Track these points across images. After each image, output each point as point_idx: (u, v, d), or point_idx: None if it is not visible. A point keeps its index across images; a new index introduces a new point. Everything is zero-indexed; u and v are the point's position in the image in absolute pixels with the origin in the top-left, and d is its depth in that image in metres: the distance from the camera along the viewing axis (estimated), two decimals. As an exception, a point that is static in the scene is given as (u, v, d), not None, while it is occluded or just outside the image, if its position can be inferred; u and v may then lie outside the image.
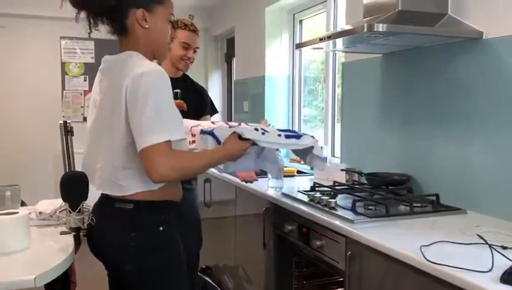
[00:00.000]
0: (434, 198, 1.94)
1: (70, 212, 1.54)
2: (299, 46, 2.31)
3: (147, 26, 1.47)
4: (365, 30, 1.70)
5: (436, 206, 1.90)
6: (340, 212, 1.81)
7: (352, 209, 1.81)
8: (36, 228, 1.79)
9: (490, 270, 1.18)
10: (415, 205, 1.85)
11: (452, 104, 1.97)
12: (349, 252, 1.62)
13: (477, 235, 1.40)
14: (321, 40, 2.01)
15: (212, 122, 1.81)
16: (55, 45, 4.84)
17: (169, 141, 1.36)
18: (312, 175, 2.84)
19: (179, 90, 2.37)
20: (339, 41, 2.05)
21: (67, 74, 4.91)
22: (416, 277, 1.31)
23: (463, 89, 1.91)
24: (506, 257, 1.23)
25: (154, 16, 1.49)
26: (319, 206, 1.92)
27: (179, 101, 2.35)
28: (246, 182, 2.35)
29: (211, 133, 1.60)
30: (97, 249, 1.54)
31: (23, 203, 2.14)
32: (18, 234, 1.54)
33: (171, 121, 1.39)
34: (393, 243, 1.44)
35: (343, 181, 2.46)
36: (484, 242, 1.35)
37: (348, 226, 1.65)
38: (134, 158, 1.40)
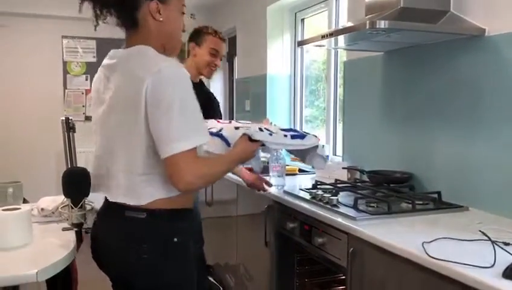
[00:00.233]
0: (436, 196, 1.94)
1: (72, 208, 1.55)
2: (301, 43, 2.31)
3: (161, 19, 1.37)
4: (367, 27, 1.70)
5: (438, 204, 1.89)
6: (342, 209, 1.80)
7: (354, 206, 1.80)
8: (38, 225, 1.79)
9: (493, 266, 1.17)
10: (416, 202, 1.84)
11: (454, 101, 1.97)
12: (351, 249, 1.62)
13: (480, 231, 1.40)
14: (323, 37, 2.01)
15: (217, 121, 1.81)
16: (57, 44, 4.85)
17: (195, 147, 1.28)
18: (314, 174, 2.83)
19: None
20: (341, 39, 2.05)
21: (68, 73, 4.92)
22: (419, 273, 1.31)
23: (465, 87, 1.91)
24: (508, 253, 1.23)
25: (168, 7, 1.39)
26: (321, 203, 1.92)
27: None
28: (258, 190, 2.29)
29: (219, 135, 1.58)
30: (103, 262, 1.43)
31: (25, 201, 2.14)
32: (20, 229, 1.54)
33: (198, 125, 1.31)
34: (395, 240, 1.43)
35: (345, 179, 2.46)
36: (486, 238, 1.35)
37: (350, 223, 1.65)
38: (156, 163, 1.31)
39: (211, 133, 1.61)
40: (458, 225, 1.62)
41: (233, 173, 2.28)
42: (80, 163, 2.38)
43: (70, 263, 1.54)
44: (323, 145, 1.83)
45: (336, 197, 1.92)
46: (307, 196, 2.06)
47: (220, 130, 1.60)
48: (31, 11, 4.58)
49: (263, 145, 1.58)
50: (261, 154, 1.90)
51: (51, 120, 4.45)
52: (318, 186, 2.22)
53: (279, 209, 2.21)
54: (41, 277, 1.34)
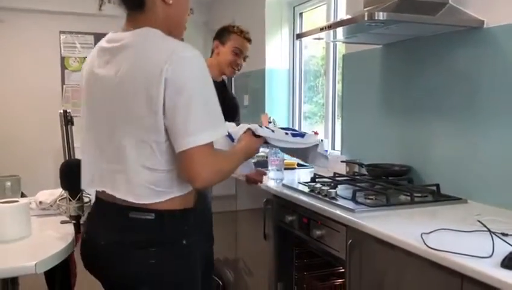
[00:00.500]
0: (434, 188, 1.94)
1: (70, 200, 1.55)
2: (300, 36, 2.31)
3: (171, 1, 1.27)
4: (366, 18, 1.69)
5: (436, 196, 1.90)
6: (340, 202, 1.80)
7: (353, 199, 1.80)
8: (36, 218, 1.79)
9: (491, 256, 1.17)
10: (415, 194, 1.84)
11: (453, 94, 1.96)
12: (350, 241, 1.62)
13: (478, 221, 1.40)
14: (322, 29, 2.01)
15: None
16: (55, 39, 4.84)
17: (212, 141, 1.20)
18: (312, 168, 2.83)
19: None
20: (340, 31, 2.04)
21: (66, 69, 4.91)
22: (417, 264, 1.31)
23: (464, 79, 1.91)
24: (507, 243, 1.23)
25: None
26: (320, 196, 1.92)
27: None
28: (256, 183, 2.23)
29: None
30: (100, 268, 1.30)
31: (23, 195, 2.14)
32: (18, 222, 1.54)
33: (217, 116, 1.22)
34: (394, 231, 1.43)
35: (344, 173, 2.46)
36: (485, 229, 1.35)
37: (349, 216, 1.65)
38: (168, 159, 1.21)
39: None
40: (457, 216, 1.62)
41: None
42: (78, 156, 2.36)
43: (68, 256, 1.54)
44: (321, 140, 1.81)
45: (335, 190, 1.92)
46: (306, 189, 2.06)
47: None
48: (28, 6, 4.57)
49: (265, 142, 1.55)
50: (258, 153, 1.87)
51: (49, 115, 4.42)
52: (317, 180, 2.22)
53: (277, 203, 2.21)
54: (39, 269, 1.34)
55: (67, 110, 1.89)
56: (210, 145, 1.19)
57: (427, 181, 2.07)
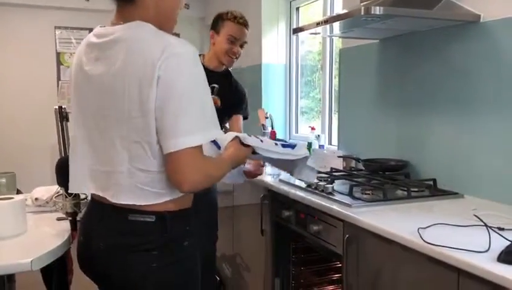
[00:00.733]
0: (431, 183, 1.94)
1: (66, 197, 1.54)
2: (296, 30, 2.30)
3: None
4: (362, 13, 1.69)
5: (433, 191, 1.90)
6: (337, 197, 1.80)
7: (350, 194, 1.80)
8: (32, 214, 1.78)
9: (487, 250, 1.18)
10: (412, 189, 1.85)
11: (449, 88, 1.96)
12: (347, 236, 1.62)
13: (475, 215, 1.40)
14: (318, 24, 2.00)
15: None
16: (50, 35, 4.81)
17: (202, 143, 1.15)
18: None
19: (216, 85, 2.18)
20: (336, 26, 2.04)
21: (62, 64, 4.88)
22: (414, 258, 1.31)
23: (460, 74, 1.91)
24: (503, 237, 1.23)
25: None
26: (317, 191, 1.92)
27: (214, 96, 2.08)
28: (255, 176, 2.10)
29: None
30: (100, 273, 1.26)
31: (18, 192, 2.13)
32: (14, 218, 1.53)
33: (211, 117, 1.17)
34: (391, 226, 1.43)
35: (341, 168, 2.46)
36: (481, 224, 1.35)
37: (346, 211, 1.65)
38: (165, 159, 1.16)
39: None
40: (453, 211, 1.62)
41: None
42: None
43: (65, 253, 1.54)
44: (311, 155, 1.71)
45: (332, 185, 1.91)
46: (302, 184, 2.06)
47: None
48: (22, 1, 4.54)
49: (253, 152, 1.47)
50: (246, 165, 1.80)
51: (44, 111, 4.42)
52: (314, 175, 2.22)
53: (274, 198, 2.21)
54: (35, 266, 1.33)
55: (63, 106, 1.88)
56: (199, 148, 1.15)
57: (424, 176, 2.08)
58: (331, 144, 3.14)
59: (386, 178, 2.05)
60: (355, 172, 2.29)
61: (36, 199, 1.87)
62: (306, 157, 1.62)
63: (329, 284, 2.38)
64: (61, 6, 4.64)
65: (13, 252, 1.42)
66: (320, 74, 3.38)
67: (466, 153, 1.89)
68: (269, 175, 2.34)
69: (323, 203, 1.78)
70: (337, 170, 2.36)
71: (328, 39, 3.14)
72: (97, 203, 1.25)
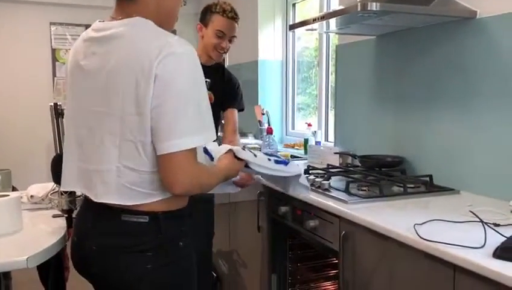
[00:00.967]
0: (427, 179, 1.95)
1: (61, 194, 1.53)
2: (293, 27, 2.29)
3: None
4: (359, 9, 1.68)
5: (429, 187, 1.90)
6: (333, 193, 1.81)
7: (346, 190, 1.81)
8: (28, 212, 1.78)
9: (483, 246, 1.18)
10: (408, 185, 1.85)
11: (445, 85, 1.96)
12: (343, 232, 1.62)
13: (471, 211, 1.41)
14: (314, 20, 2.00)
15: None
16: (45, 31, 4.78)
17: (196, 147, 1.14)
18: (306, 159, 2.83)
19: (208, 80, 2.07)
20: (333, 22, 2.03)
21: (57, 61, 4.86)
22: (410, 254, 1.32)
23: (457, 70, 1.91)
24: (499, 233, 1.23)
25: None
26: (313, 188, 1.92)
27: (208, 92, 2.09)
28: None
29: (203, 148, 1.43)
30: (95, 274, 1.25)
31: (14, 189, 2.12)
32: (9, 216, 1.53)
33: (207, 120, 1.15)
34: (387, 222, 1.44)
35: (337, 164, 2.46)
36: (477, 220, 1.35)
37: (342, 207, 1.65)
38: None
39: None
40: (449, 207, 1.62)
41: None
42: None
43: (61, 250, 1.53)
44: (306, 175, 1.67)
45: (328, 182, 1.92)
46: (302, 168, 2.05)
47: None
48: (17, -3, 4.52)
49: (246, 166, 1.45)
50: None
51: (40, 108, 4.38)
52: (310, 171, 2.22)
53: (271, 195, 2.20)
54: (31, 263, 1.33)
55: (58, 103, 1.86)
56: (193, 151, 1.13)
57: (420, 172, 2.08)
58: (327, 140, 3.15)
59: (382, 174, 2.06)
60: (351, 168, 2.30)
61: (32, 196, 1.87)
62: (299, 175, 1.60)
63: (326, 280, 2.39)
64: (57, 2, 4.61)
65: (9, 250, 1.42)
66: (316, 70, 3.38)
67: (462, 149, 1.89)
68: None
69: (319, 199, 1.78)
70: (334, 166, 2.36)
71: (324, 35, 3.13)
72: (90, 203, 1.22)
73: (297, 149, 3.26)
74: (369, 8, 1.67)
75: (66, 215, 1.64)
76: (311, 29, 2.26)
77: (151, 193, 1.16)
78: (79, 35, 1.31)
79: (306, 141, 3.07)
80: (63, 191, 1.55)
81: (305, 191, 1.66)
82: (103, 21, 1.24)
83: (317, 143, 2.98)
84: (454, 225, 1.38)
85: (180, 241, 1.22)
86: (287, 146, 3.45)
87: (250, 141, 3.46)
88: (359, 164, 2.33)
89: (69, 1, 4.58)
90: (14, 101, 4.68)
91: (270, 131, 2.64)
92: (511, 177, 1.68)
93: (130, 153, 1.13)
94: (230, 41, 2.15)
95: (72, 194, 1.60)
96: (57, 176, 1.54)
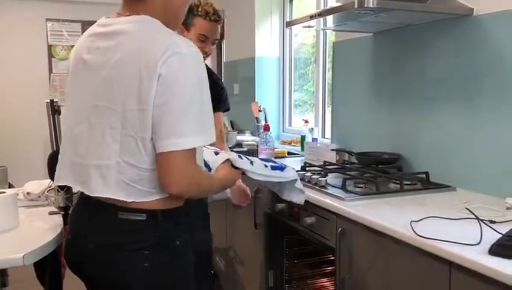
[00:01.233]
0: (424, 176, 1.95)
1: (58, 191, 1.53)
2: (290, 24, 2.29)
3: None
4: (356, 6, 1.68)
5: (425, 184, 1.91)
6: (330, 190, 1.81)
7: (343, 187, 1.81)
8: (24, 209, 1.77)
9: (479, 243, 1.18)
10: (404, 182, 1.85)
11: (442, 82, 1.97)
12: (340, 229, 1.63)
13: (467, 208, 1.41)
14: (311, 17, 1.99)
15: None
16: (41, 27, 4.76)
17: (196, 147, 1.13)
18: (303, 156, 2.84)
19: None
20: (330, 19, 2.03)
21: (54, 57, 4.84)
22: (406, 251, 1.32)
23: (453, 67, 1.91)
24: (494, 230, 1.24)
25: None
26: (310, 185, 1.92)
27: None
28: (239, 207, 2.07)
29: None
30: (90, 273, 1.23)
31: (10, 186, 2.12)
32: (5, 213, 1.52)
33: (209, 121, 1.15)
34: (384, 219, 1.44)
35: (334, 161, 2.46)
36: (473, 217, 1.36)
37: (339, 204, 1.65)
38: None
39: None
40: (446, 204, 1.63)
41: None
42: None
43: (57, 247, 1.53)
44: (303, 171, 1.71)
45: (325, 179, 1.92)
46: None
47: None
48: (13, -7, 4.49)
49: (243, 174, 1.47)
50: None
51: (36, 104, 4.38)
52: (307, 168, 2.22)
53: (268, 191, 2.20)
54: (27, 261, 1.32)
55: (54, 100, 1.86)
56: (193, 152, 1.12)
57: (417, 169, 2.09)
58: (324, 137, 3.15)
59: (379, 171, 2.06)
60: (348, 165, 2.30)
61: (28, 193, 1.86)
62: (295, 180, 1.63)
63: (323, 276, 2.39)
64: (53, -2, 4.60)
65: (5, 247, 1.41)
66: (313, 67, 3.37)
67: (459, 147, 1.90)
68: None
69: (316, 196, 1.79)
70: (330, 163, 2.36)
71: (321, 32, 3.13)
72: (86, 200, 1.21)
73: (294, 146, 3.27)
74: (366, 5, 1.67)
75: (63, 213, 1.64)
76: (308, 26, 2.26)
77: (150, 191, 1.15)
78: (75, 32, 1.32)
79: (303, 137, 3.07)
80: (60, 188, 1.55)
81: (301, 196, 1.69)
82: (109, 17, 1.23)
83: (314, 140, 2.99)
84: (450, 222, 1.39)
85: (177, 240, 1.21)
86: (283, 143, 3.45)
87: (247, 138, 3.47)
88: (356, 161, 2.33)
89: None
90: (10, 97, 4.66)
91: (267, 128, 2.64)
92: (507, 174, 1.69)
93: (130, 149, 1.12)
94: (213, 43, 2.05)
95: (68, 191, 1.60)
96: (53, 173, 1.53)
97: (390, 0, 1.75)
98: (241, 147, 3.08)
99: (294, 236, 2.25)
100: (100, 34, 1.20)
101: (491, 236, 1.20)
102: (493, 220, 1.34)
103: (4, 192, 1.56)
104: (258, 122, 3.54)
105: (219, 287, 2.91)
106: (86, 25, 4.58)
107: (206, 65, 2.28)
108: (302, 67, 3.72)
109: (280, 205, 2.08)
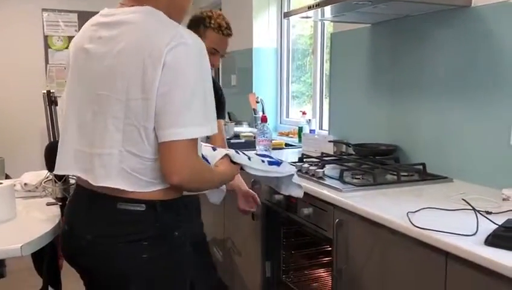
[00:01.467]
0: (421, 167, 1.96)
1: (55, 182, 1.53)
2: (287, 14, 2.28)
3: None
4: (354, -4, 1.68)
5: (422, 175, 1.91)
6: (328, 181, 1.81)
7: (340, 178, 1.81)
8: (22, 200, 1.77)
9: (475, 234, 1.19)
10: (402, 174, 1.86)
11: (439, 73, 1.97)
12: (337, 220, 1.63)
13: (463, 199, 1.42)
14: (309, 8, 1.99)
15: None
16: (37, 18, 4.72)
17: (197, 138, 1.12)
18: (300, 147, 2.84)
19: None
20: (327, 10, 2.02)
21: (50, 48, 4.81)
22: (403, 242, 1.33)
23: (451, 59, 1.91)
24: (491, 221, 1.24)
25: None
26: (307, 176, 1.93)
27: None
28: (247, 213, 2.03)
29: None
30: (87, 265, 1.22)
31: (7, 177, 2.11)
32: (3, 204, 1.52)
33: (212, 112, 1.15)
34: (381, 210, 1.45)
35: (331, 153, 2.46)
36: (469, 208, 1.37)
37: (336, 195, 1.66)
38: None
39: None
40: (442, 195, 1.64)
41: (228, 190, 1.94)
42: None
43: (55, 238, 1.53)
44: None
45: (322, 170, 1.92)
46: (294, 168, 2.06)
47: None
48: (8, -17, 4.45)
49: (241, 169, 1.47)
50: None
51: (33, 95, 4.36)
52: (304, 160, 2.22)
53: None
54: (25, 251, 1.32)
55: (51, 91, 1.85)
56: (195, 143, 1.12)
57: (414, 160, 2.09)
58: (322, 129, 3.15)
59: (376, 163, 2.06)
60: (345, 157, 2.31)
61: (25, 184, 1.86)
62: (291, 175, 1.63)
63: (320, 267, 2.41)
64: (48, -12, 4.56)
65: (3, 238, 1.41)
66: (311, 58, 3.37)
67: (456, 138, 1.90)
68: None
69: (313, 187, 1.79)
70: (328, 155, 2.37)
71: (319, 23, 3.12)
72: (83, 191, 1.21)
73: (291, 137, 3.27)
74: (364, -4, 1.66)
75: (60, 204, 1.64)
76: (306, 17, 2.25)
77: (152, 181, 1.15)
78: (71, 22, 1.31)
79: (300, 129, 3.07)
80: (57, 179, 1.55)
81: (298, 190, 1.68)
82: (111, 8, 1.23)
83: (312, 131, 2.99)
84: (446, 213, 1.40)
85: (176, 230, 1.21)
86: (281, 134, 3.45)
87: (244, 129, 3.46)
88: (353, 152, 2.34)
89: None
90: (6, 88, 4.64)
91: (264, 119, 2.64)
92: (504, 165, 1.70)
93: (133, 138, 1.12)
94: (222, 56, 2.02)
95: (66, 182, 1.60)
96: (50, 164, 1.53)
97: (388, -9, 1.75)
98: (239, 139, 3.08)
99: (291, 227, 2.25)
100: (103, 24, 1.19)
101: (487, 227, 1.21)
102: (489, 211, 1.35)
103: (1, 183, 1.56)
104: (255, 114, 3.54)
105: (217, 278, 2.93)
106: (82, 15, 4.56)
107: (217, 82, 2.23)
108: (300, 59, 3.70)
109: (277, 196, 2.08)
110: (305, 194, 1.84)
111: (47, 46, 4.81)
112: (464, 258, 1.13)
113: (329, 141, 2.54)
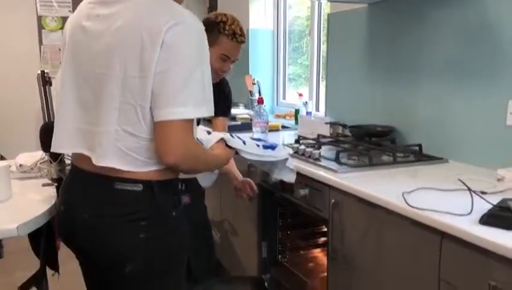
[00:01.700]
0: (417, 148, 1.97)
1: (51, 162, 1.52)
2: (284, -6, 2.25)
3: None
4: (351, -25, 1.65)
5: (418, 156, 1.92)
6: (324, 163, 1.82)
7: (336, 159, 1.82)
8: (17, 181, 1.76)
9: (470, 213, 1.20)
10: (397, 154, 1.86)
11: (436, 55, 1.96)
12: (333, 201, 1.64)
13: (459, 180, 1.42)
14: (306, -13, 1.96)
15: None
16: (30, -3, 4.64)
17: (193, 119, 1.12)
18: (296, 130, 2.84)
19: None
20: (325, -11, 2.00)
21: (44, 28, 4.73)
22: (398, 222, 1.34)
23: (447, 41, 1.90)
24: (486, 200, 1.25)
25: None
26: (303, 157, 1.93)
27: None
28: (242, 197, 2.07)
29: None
30: (84, 245, 1.21)
31: (2, 158, 2.10)
32: (-2, 185, 1.51)
33: (210, 94, 1.14)
34: (376, 191, 1.45)
35: (328, 134, 2.46)
36: (464, 188, 1.37)
37: (332, 176, 1.66)
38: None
39: None
40: (438, 176, 1.64)
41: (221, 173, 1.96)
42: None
43: (52, 218, 1.53)
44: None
45: (318, 151, 1.92)
46: (290, 151, 2.06)
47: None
48: (-1, -39, 4.36)
49: (236, 153, 1.47)
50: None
51: (27, 76, 4.29)
52: (301, 141, 2.22)
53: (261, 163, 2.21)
54: (22, 231, 1.32)
55: (46, 71, 1.83)
56: (192, 123, 1.12)
57: (410, 141, 2.09)
58: (318, 111, 3.14)
59: (372, 144, 2.07)
60: (342, 138, 2.31)
61: (20, 165, 1.85)
62: (286, 159, 1.64)
63: (315, 247, 2.43)
64: (41, -33, 4.47)
65: (-1, 218, 1.41)
66: (308, 40, 3.34)
67: (451, 119, 1.90)
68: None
69: (310, 168, 1.79)
70: (324, 136, 2.37)
71: (316, 4, 3.09)
72: (79, 172, 1.21)
73: (288, 119, 3.26)
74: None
75: (56, 184, 1.63)
76: (303, -3, 2.22)
77: (147, 161, 1.14)
78: (65, 2, 1.28)
79: (297, 111, 3.06)
80: (52, 160, 1.54)
81: (291, 175, 1.69)
82: None
83: (308, 113, 2.98)
84: (442, 193, 1.41)
85: (173, 211, 1.21)
86: (277, 116, 3.44)
87: (241, 111, 3.45)
88: (349, 134, 2.34)
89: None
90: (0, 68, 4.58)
91: (260, 101, 2.62)
92: (499, 146, 1.70)
93: (129, 117, 1.11)
94: (232, 62, 1.94)
95: (61, 162, 1.59)
96: (46, 145, 1.52)
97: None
98: (235, 121, 3.07)
99: (287, 208, 2.27)
100: (100, 2, 1.18)
101: (482, 206, 1.21)
102: (484, 191, 1.35)
103: (-4, 164, 1.55)
104: (251, 96, 3.52)
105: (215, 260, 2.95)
106: (76, -5, 4.50)
107: (225, 82, 2.18)
108: (297, 40, 3.67)
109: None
110: (301, 175, 1.85)
111: (40, 27, 4.73)
112: (459, 238, 1.14)
113: (326, 123, 2.54)
